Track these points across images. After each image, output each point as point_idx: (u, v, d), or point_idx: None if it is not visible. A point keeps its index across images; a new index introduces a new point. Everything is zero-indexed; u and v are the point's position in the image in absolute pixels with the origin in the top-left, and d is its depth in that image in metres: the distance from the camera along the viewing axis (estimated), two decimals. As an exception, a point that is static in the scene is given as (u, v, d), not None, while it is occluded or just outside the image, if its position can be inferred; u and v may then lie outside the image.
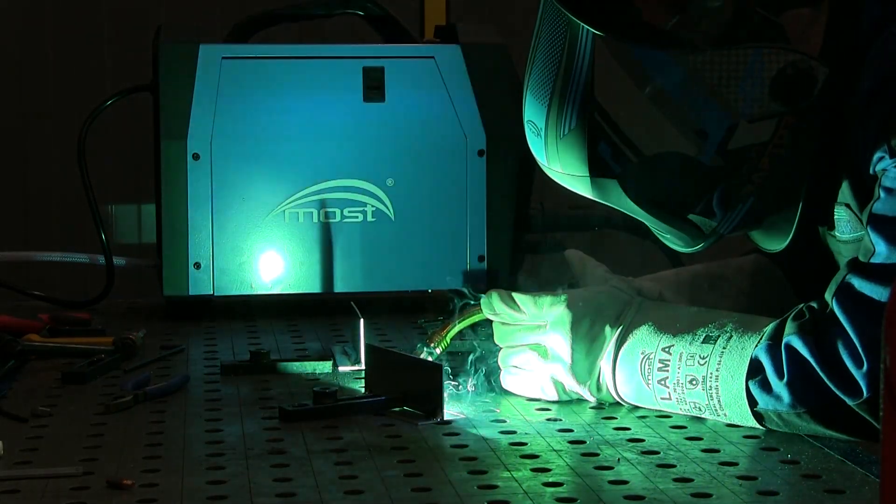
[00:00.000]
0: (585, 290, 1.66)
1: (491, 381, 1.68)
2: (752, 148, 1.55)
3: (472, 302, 1.72)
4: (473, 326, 1.73)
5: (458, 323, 1.70)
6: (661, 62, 1.53)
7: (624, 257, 1.82)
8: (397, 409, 1.60)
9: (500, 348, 1.68)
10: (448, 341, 1.69)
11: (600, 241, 2.35)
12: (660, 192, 1.59)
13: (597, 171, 1.57)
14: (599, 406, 1.63)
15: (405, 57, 2.30)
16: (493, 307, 1.66)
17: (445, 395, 1.60)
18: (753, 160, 1.55)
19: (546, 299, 1.63)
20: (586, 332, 1.60)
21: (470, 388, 1.65)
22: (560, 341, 1.61)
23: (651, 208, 1.60)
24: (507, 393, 1.67)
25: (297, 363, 1.85)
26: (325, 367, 1.84)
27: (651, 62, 1.53)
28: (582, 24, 1.53)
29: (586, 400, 1.63)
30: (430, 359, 1.67)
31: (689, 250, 1.68)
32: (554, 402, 1.63)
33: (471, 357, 1.69)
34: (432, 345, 1.69)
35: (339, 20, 2.44)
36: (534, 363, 1.63)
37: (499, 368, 1.68)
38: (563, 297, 1.63)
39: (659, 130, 1.54)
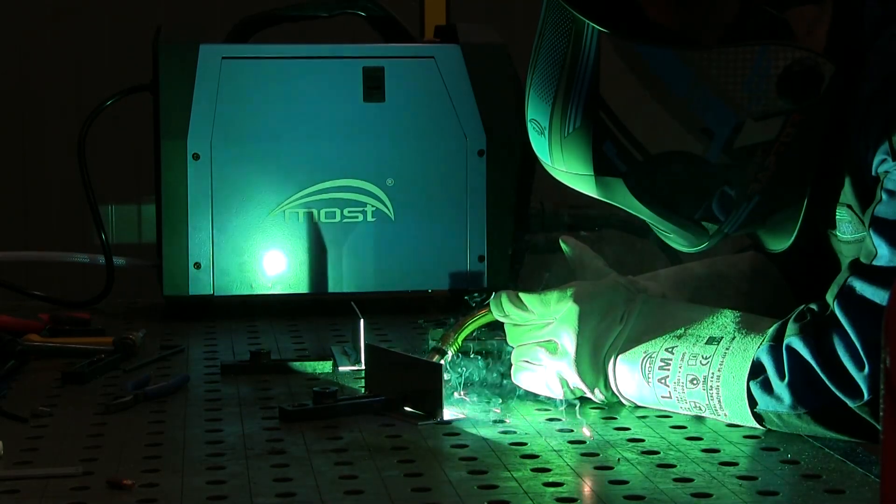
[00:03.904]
0: (591, 285, 1.65)
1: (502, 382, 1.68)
2: (758, 146, 1.54)
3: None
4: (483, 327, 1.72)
5: (469, 324, 1.70)
6: (667, 60, 1.52)
7: (624, 257, 1.81)
8: (397, 409, 1.60)
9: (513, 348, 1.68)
10: (460, 343, 1.69)
11: (600, 240, 2.35)
12: (665, 191, 1.59)
13: (602, 169, 1.57)
14: (599, 406, 1.63)
15: (405, 57, 2.30)
16: (502, 308, 1.66)
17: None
18: (759, 159, 1.55)
19: (552, 296, 1.63)
20: (594, 328, 1.60)
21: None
22: (567, 336, 1.61)
23: (656, 207, 1.60)
24: (507, 392, 1.67)
25: (297, 363, 1.85)
26: (325, 367, 1.84)
27: (656, 60, 1.52)
28: (587, 21, 1.52)
29: (590, 399, 1.63)
30: (441, 361, 1.66)
31: (692, 250, 1.67)
32: (560, 399, 1.63)
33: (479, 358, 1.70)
34: (444, 347, 1.68)
35: (339, 20, 2.44)
36: (542, 359, 1.63)
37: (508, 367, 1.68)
38: (568, 293, 1.62)
39: (664, 128, 1.54)
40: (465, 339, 1.70)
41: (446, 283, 2.29)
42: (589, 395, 1.62)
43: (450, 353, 1.68)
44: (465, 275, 2.28)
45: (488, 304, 1.68)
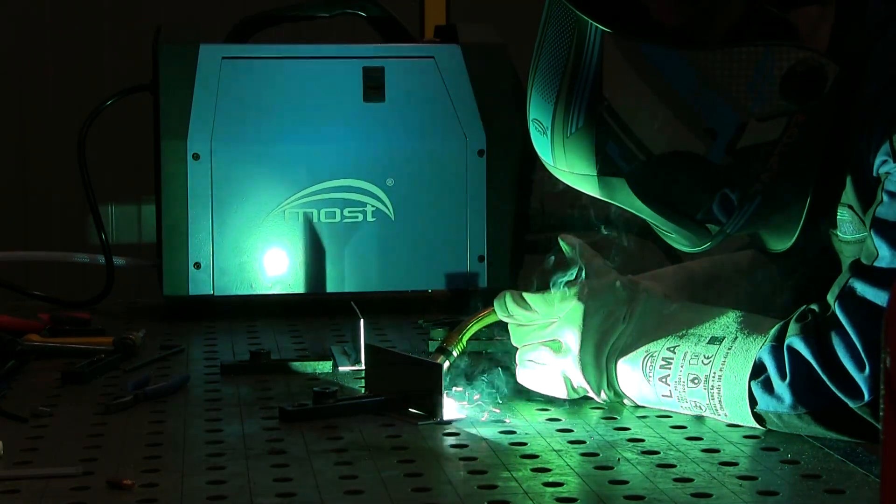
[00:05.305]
0: (594, 283, 1.65)
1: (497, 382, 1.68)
2: (761, 147, 1.54)
3: None
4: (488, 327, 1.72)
5: (473, 325, 1.69)
6: (670, 60, 1.52)
7: (624, 257, 1.81)
8: (397, 409, 1.60)
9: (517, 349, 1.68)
10: (465, 343, 1.69)
11: (600, 240, 2.35)
12: (668, 192, 1.59)
13: (604, 169, 1.57)
14: (599, 406, 1.63)
15: (405, 57, 2.30)
16: (506, 308, 1.66)
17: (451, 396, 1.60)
18: (762, 159, 1.55)
19: (556, 295, 1.63)
20: (598, 327, 1.60)
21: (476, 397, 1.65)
22: (571, 335, 1.61)
23: (659, 207, 1.60)
24: (509, 393, 1.67)
25: (297, 363, 1.85)
26: (325, 367, 1.84)
27: (660, 59, 1.52)
28: (590, 20, 1.52)
29: (592, 398, 1.63)
30: (447, 362, 1.66)
31: (695, 250, 1.67)
32: (564, 398, 1.63)
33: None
34: (449, 348, 1.68)
35: (339, 20, 2.44)
36: (546, 358, 1.63)
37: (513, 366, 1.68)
38: (572, 292, 1.62)
39: (667, 129, 1.54)
40: (469, 340, 1.70)
41: (446, 283, 2.29)
42: (592, 394, 1.62)
43: (454, 354, 1.68)
44: (465, 275, 2.28)
45: (492, 305, 1.68)
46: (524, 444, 1.48)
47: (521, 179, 2.29)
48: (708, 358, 1.54)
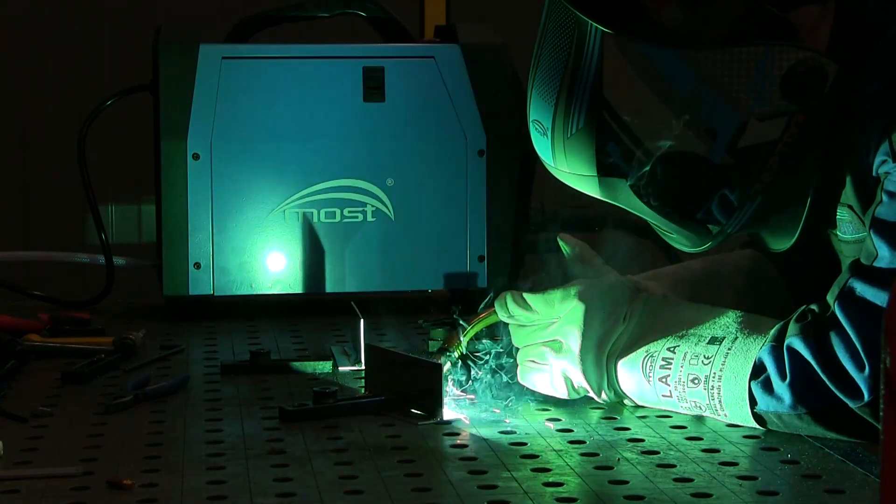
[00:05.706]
0: (594, 283, 1.65)
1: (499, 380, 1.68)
2: (762, 147, 1.54)
3: None
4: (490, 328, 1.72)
5: (475, 325, 1.69)
6: (670, 60, 1.52)
7: (624, 257, 1.81)
8: (397, 409, 1.60)
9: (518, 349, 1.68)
10: (465, 344, 1.69)
11: (600, 240, 2.35)
12: (669, 192, 1.59)
13: (605, 170, 1.57)
14: (599, 406, 1.63)
15: (405, 57, 2.30)
16: (507, 309, 1.66)
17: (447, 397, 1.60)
18: (762, 159, 1.55)
19: (556, 295, 1.63)
20: (599, 327, 1.60)
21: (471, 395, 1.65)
22: (571, 335, 1.61)
23: (660, 208, 1.60)
24: (509, 393, 1.67)
25: (297, 363, 1.85)
26: (325, 367, 1.84)
27: (660, 60, 1.52)
28: (589, 21, 1.52)
29: (593, 399, 1.63)
30: (448, 363, 1.66)
31: (695, 250, 1.67)
32: (564, 399, 1.63)
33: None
34: (449, 348, 1.68)
35: (339, 20, 2.44)
36: (547, 358, 1.63)
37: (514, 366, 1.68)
38: (573, 292, 1.62)
39: (668, 129, 1.54)
40: (470, 341, 1.70)
41: (446, 283, 2.29)
42: (592, 394, 1.62)
43: (455, 354, 1.68)
44: (465, 275, 2.28)
45: (493, 305, 1.68)
46: (524, 444, 1.48)
47: (521, 179, 2.29)
48: (708, 358, 1.54)
